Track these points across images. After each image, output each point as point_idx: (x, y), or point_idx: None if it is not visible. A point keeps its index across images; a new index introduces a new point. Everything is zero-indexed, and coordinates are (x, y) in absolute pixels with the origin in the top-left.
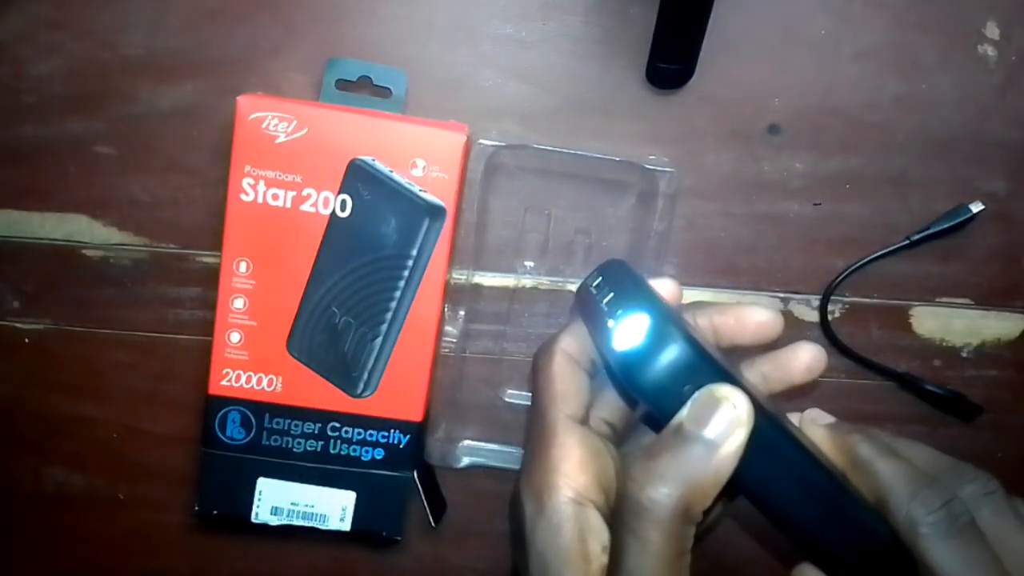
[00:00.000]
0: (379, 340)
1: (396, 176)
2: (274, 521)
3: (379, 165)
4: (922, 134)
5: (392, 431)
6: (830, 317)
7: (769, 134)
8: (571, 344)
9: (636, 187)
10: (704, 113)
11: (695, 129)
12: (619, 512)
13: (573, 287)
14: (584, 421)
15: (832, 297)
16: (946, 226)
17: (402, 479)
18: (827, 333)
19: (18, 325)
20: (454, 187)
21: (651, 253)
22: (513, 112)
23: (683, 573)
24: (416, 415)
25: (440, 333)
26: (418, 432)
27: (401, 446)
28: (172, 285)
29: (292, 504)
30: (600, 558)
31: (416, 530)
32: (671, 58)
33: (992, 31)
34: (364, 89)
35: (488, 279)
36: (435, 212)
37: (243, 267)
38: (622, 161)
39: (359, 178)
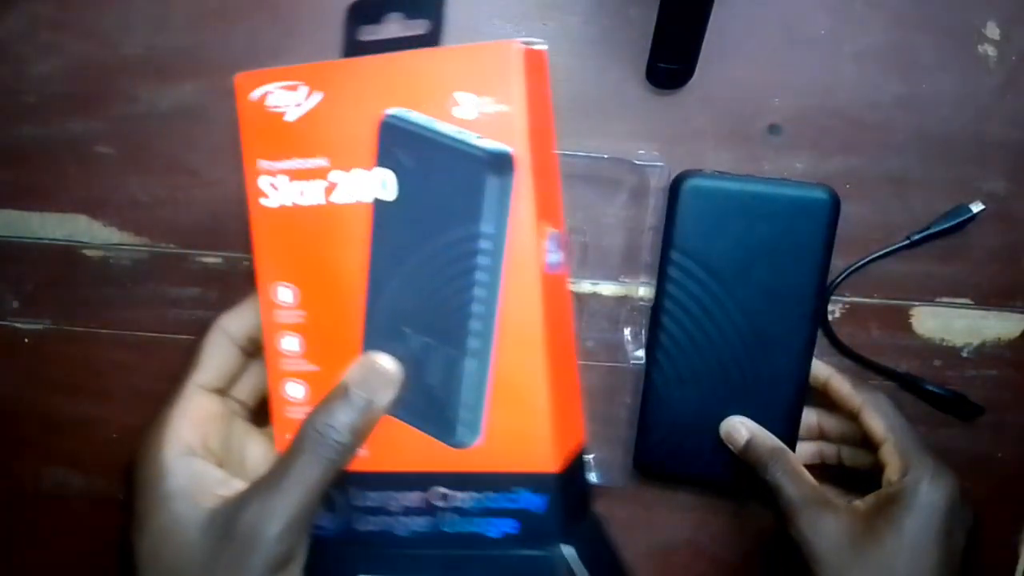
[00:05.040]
0: (470, 360)
1: (439, 125)
2: None
3: (415, 116)
4: (922, 134)
5: (520, 491)
6: (830, 317)
7: (769, 134)
8: (232, 321)
9: (627, 183)
10: (704, 113)
11: (695, 129)
12: (296, 439)
13: (571, 287)
14: (222, 392)
15: (832, 297)
16: (946, 226)
17: (550, 560)
18: (827, 333)
19: (18, 325)
20: (521, 120)
21: (647, 248)
22: None
23: (324, 491)
24: (549, 463)
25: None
26: (559, 488)
27: (539, 512)
28: (172, 285)
29: None
30: (216, 490)
31: None
32: (671, 58)
33: (992, 31)
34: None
35: None
36: (498, 162)
37: (286, 295)
38: (611, 158)
39: (395, 141)
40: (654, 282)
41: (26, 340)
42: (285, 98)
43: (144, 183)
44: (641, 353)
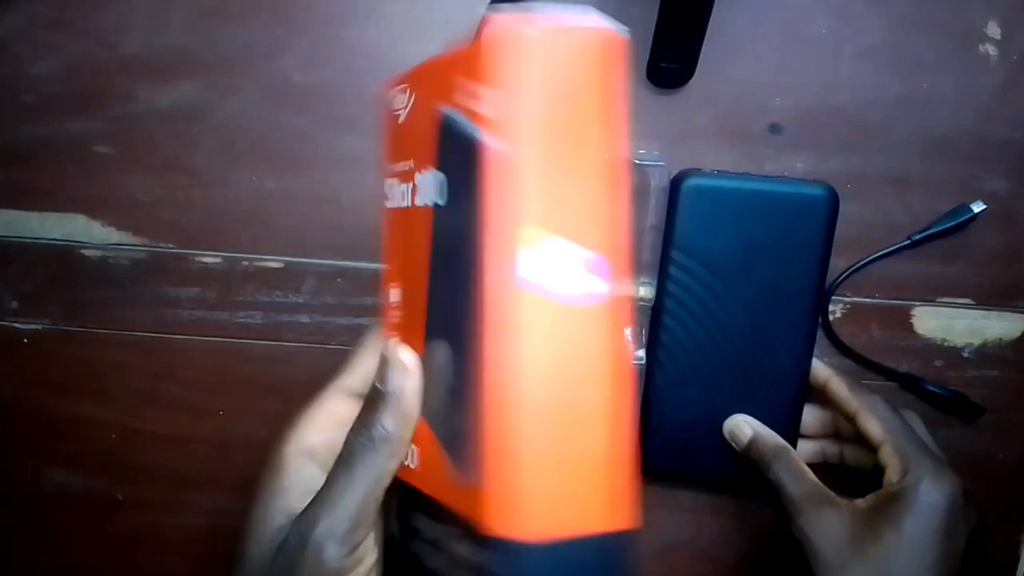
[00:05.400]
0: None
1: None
2: None
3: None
4: (923, 134)
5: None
6: (831, 317)
7: (770, 133)
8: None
9: (627, 183)
10: (705, 112)
11: (696, 128)
12: (340, 454)
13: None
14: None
15: (833, 297)
16: (947, 226)
17: None
18: (828, 333)
19: (17, 325)
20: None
21: (648, 248)
22: None
23: (378, 496)
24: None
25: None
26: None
27: None
28: (171, 285)
29: None
30: (305, 498)
31: None
32: (672, 57)
33: (993, 30)
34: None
35: None
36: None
37: (395, 295)
38: None
39: (450, 142)
40: (655, 282)
41: (25, 340)
42: (399, 101)
43: (143, 183)
44: (642, 353)
